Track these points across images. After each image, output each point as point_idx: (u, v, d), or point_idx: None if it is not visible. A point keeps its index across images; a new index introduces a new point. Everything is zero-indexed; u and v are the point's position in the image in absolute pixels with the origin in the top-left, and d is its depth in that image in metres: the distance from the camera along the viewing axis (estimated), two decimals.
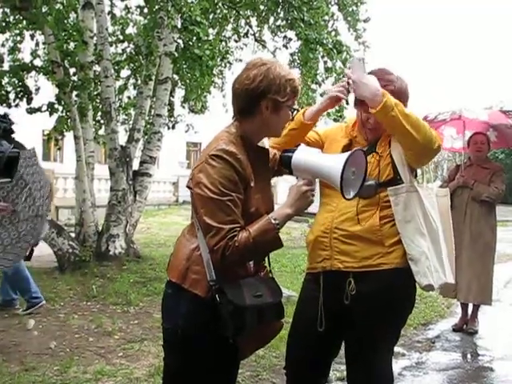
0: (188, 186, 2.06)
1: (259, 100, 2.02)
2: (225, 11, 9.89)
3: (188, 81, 9.92)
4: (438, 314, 6.12)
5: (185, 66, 9.10)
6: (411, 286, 2.47)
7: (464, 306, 5.62)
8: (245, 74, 2.05)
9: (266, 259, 2.17)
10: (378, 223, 2.41)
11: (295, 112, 2.13)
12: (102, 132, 9.71)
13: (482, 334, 5.41)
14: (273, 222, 1.98)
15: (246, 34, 10.47)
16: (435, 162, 36.49)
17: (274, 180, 2.54)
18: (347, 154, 2.01)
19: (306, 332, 2.58)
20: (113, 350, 4.57)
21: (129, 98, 11.30)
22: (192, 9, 7.26)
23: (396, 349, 4.75)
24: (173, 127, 10.73)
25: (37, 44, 9.13)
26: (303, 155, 2.12)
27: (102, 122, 9.30)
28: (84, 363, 4.22)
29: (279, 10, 8.77)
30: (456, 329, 5.52)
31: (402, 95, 2.46)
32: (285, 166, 2.16)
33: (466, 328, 5.49)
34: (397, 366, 4.50)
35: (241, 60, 11.39)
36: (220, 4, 8.95)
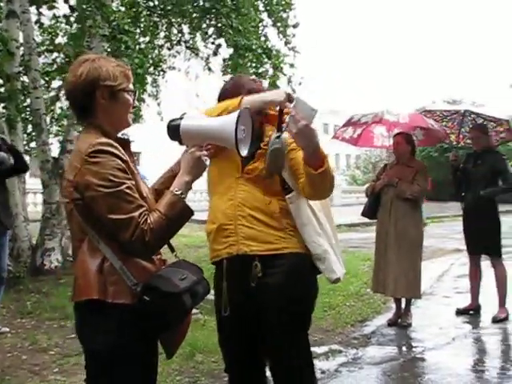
0: (73, 199, 1.96)
1: (93, 91, 2.00)
2: (156, 19, 9.86)
3: None
4: (375, 311, 6.26)
5: None
6: (314, 272, 2.60)
7: (397, 301, 5.79)
8: (70, 73, 2.05)
9: (167, 246, 2.15)
10: (278, 211, 2.52)
11: (133, 95, 2.12)
12: (34, 144, 9.50)
13: (416, 327, 5.58)
14: (176, 193, 1.98)
15: (179, 42, 10.47)
16: (373, 162, 37.38)
17: None
18: (236, 113, 2.03)
19: (231, 328, 2.61)
20: (48, 366, 4.47)
21: (61, 108, 11.09)
22: (120, 17, 7.21)
23: (333, 346, 4.96)
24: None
25: None
26: (191, 121, 2.12)
27: (33, 134, 9.10)
28: (16, 382, 4.11)
29: (209, 18, 8.80)
30: (391, 323, 5.67)
31: None
32: (173, 134, 2.14)
33: (400, 322, 5.65)
34: (334, 362, 4.62)
35: (174, 68, 11.38)
36: (149, 12, 8.89)
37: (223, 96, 2.62)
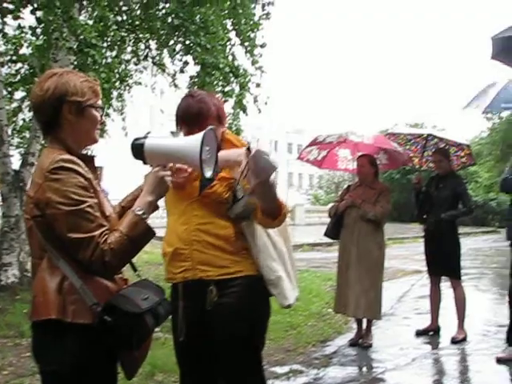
0: (33, 216, 1.93)
1: (60, 106, 1.97)
2: (123, 34, 9.81)
3: None
4: (336, 331, 6.28)
5: None
6: (268, 293, 2.59)
7: (358, 322, 5.82)
8: (37, 87, 2.01)
9: (130, 266, 2.13)
10: (233, 235, 2.51)
11: (101, 111, 2.09)
12: None
13: (376, 347, 5.61)
14: (138, 213, 1.95)
15: (146, 57, 10.43)
16: (336, 182, 37.83)
17: None
18: (201, 133, 2.01)
19: (187, 348, 2.61)
20: None
21: (24, 120, 10.90)
22: (88, 31, 7.15)
23: (294, 366, 4.94)
24: None
25: None
26: (156, 140, 2.08)
27: None
28: None
29: (177, 35, 8.81)
30: (352, 344, 5.69)
31: None
32: (136, 154, 2.08)
33: (361, 342, 5.67)
34: (295, 383, 4.59)
35: (140, 83, 11.33)
36: (116, 27, 8.85)
37: (190, 114, 2.54)
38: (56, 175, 1.87)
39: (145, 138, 2.09)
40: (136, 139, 2.13)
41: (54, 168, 1.87)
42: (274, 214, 2.39)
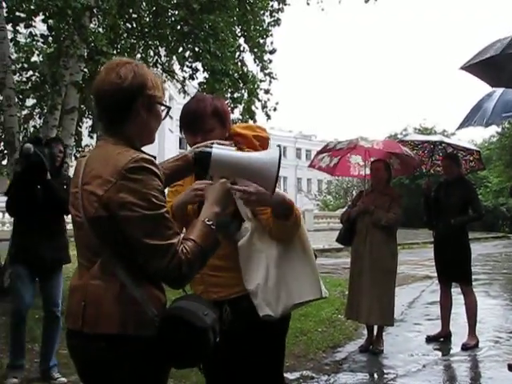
0: (95, 216, 1.77)
1: (136, 98, 1.84)
2: (133, 41, 9.88)
3: (95, 110, 9.78)
4: (346, 337, 6.27)
5: (91, 96, 8.97)
6: None
7: (369, 328, 5.81)
8: (112, 74, 1.84)
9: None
10: (233, 252, 2.42)
11: (167, 110, 1.96)
12: (5, 162, 9.36)
13: (387, 354, 5.60)
14: (208, 223, 1.84)
15: (155, 64, 10.49)
16: (345, 188, 37.77)
17: None
18: (277, 150, 1.97)
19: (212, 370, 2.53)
20: None
21: (34, 127, 10.97)
22: (98, 39, 7.21)
23: (305, 372, 4.94)
24: (81, 157, 10.50)
25: None
26: (224, 151, 1.99)
27: (5, 152, 8.98)
28: None
29: (186, 42, 8.86)
30: (362, 350, 5.68)
31: None
32: (202, 163, 1.99)
33: (372, 348, 5.66)
34: None
35: None
36: (126, 34, 8.92)
37: (188, 114, 2.50)
38: (136, 175, 1.73)
39: (210, 147, 2.01)
40: (197, 147, 2.08)
41: (134, 167, 1.73)
42: (286, 214, 2.34)
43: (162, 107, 1.94)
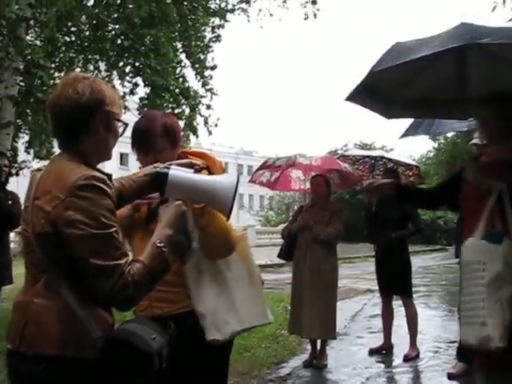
0: (42, 232, 1.72)
1: (93, 115, 1.81)
2: (72, 54, 9.69)
3: (32, 125, 9.51)
4: (290, 352, 6.25)
5: (28, 111, 8.72)
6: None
7: (312, 342, 5.82)
8: (69, 88, 1.80)
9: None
10: (179, 268, 2.37)
11: (124, 127, 1.94)
12: None
13: (331, 368, 5.62)
14: (159, 245, 1.81)
15: None
16: (287, 203, 38.04)
17: None
18: (235, 174, 1.98)
19: None
20: None
21: None
22: (35, 51, 7.01)
23: None
24: (16, 174, 10.16)
25: None
26: (181, 173, 1.98)
27: None
28: None
29: (127, 56, 8.76)
30: (306, 365, 5.68)
31: None
32: (158, 183, 1.98)
33: (316, 363, 5.67)
34: None
35: None
36: (65, 48, 8.74)
37: (138, 133, 2.48)
38: (85, 193, 1.69)
39: (167, 168, 1.99)
40: (155, 167, 2.06)
41: (83, 185, 1.70)
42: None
43: (120, 123, 1.92)
